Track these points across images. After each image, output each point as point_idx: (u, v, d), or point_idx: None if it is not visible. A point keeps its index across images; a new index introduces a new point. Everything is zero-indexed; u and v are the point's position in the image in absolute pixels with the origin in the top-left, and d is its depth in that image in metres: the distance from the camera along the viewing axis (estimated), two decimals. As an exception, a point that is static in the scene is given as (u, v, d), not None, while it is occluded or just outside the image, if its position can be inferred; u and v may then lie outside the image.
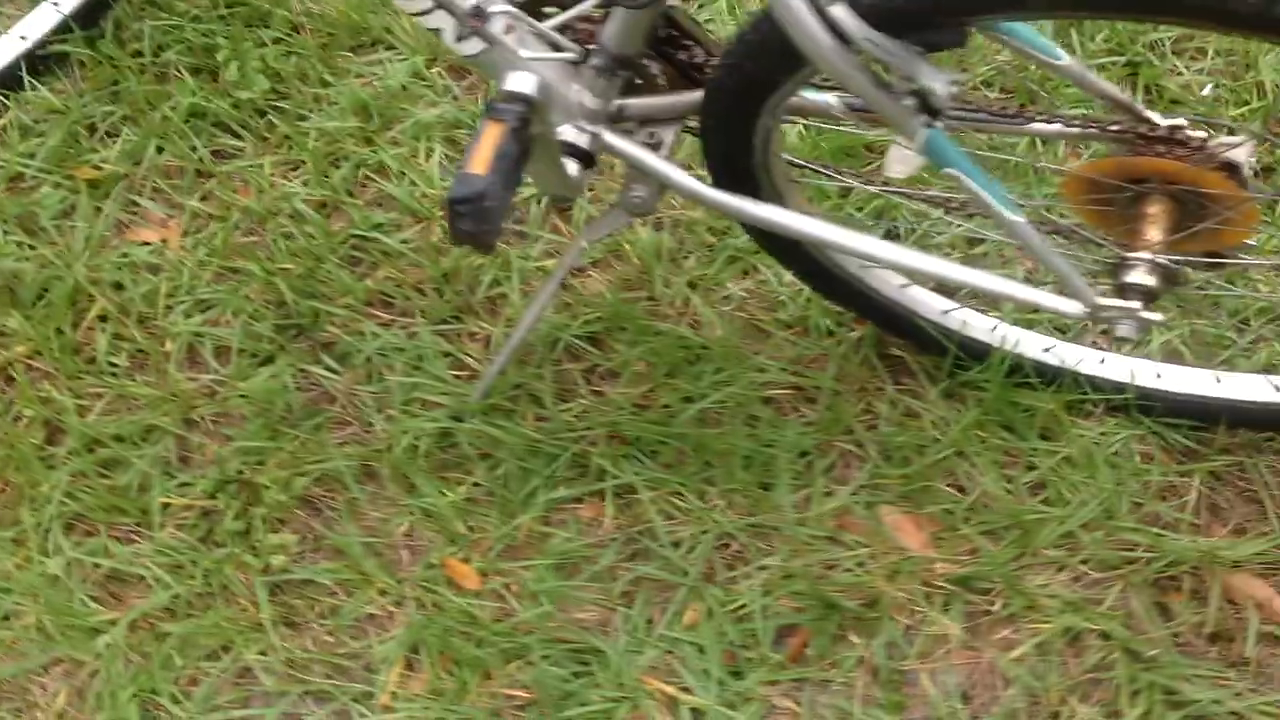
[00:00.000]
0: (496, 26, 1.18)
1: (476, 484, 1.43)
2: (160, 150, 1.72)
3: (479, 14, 1.13)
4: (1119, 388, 1.41)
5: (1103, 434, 1.41)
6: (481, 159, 1.05)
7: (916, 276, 1.37)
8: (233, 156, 1.73)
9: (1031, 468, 1.41)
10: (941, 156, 1.10)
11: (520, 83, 1.11)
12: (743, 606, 1.35)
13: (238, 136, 1.74)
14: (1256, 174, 1.16)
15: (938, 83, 0.98)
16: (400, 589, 1.39)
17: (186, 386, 1.53)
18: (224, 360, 1.56)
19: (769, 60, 1.10)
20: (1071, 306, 1.18)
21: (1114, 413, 1.43)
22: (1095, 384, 1.42)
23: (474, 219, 1.06)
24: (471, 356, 1.54)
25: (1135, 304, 1.15)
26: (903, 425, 1.45)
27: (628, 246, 1.59)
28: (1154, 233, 1.13)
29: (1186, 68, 1.67)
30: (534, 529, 1.42)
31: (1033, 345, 1.42)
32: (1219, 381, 1.37)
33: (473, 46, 1.20)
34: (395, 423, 1.48)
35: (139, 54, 1.78)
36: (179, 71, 1.77)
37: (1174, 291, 1.22)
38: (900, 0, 0.97)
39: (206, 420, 1.51)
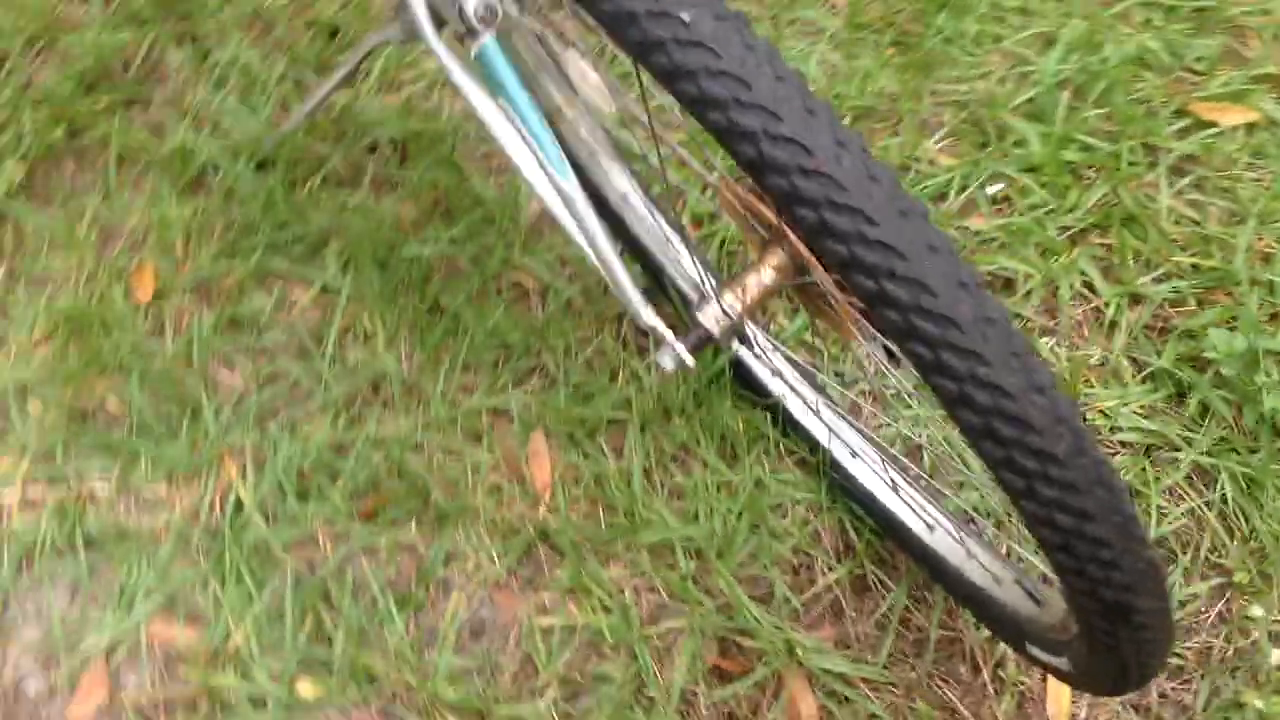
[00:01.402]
0: None
1: (210, 212, 1.44)
2: None
3: None
4: (813, 445, 1.30)
5: (778, 481, 1.31)
6: None
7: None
8: None
9: (689, 473, 1.32)
10: (491, 74, 0.93)
11: None
12: (353, 444, 1.33)
13: None
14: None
15: None
16: (92, 267, 1.42)
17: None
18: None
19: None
20: (633, 308, 1.04)
21: (803, 468, 1.32)
22: (796, 429, 1.31)
23: None
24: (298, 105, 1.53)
25: (671, 337, 0.99)
26: (611, 373, 1.37)
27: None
28: (754, 281, 0.97)
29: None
30: (242, 280, 1.42)
31: (758, 364, 1.32)
32: (894, 491, 1.24)
33: None
34: (180, 125, 1.49)
35: None
36: None
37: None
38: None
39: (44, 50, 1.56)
